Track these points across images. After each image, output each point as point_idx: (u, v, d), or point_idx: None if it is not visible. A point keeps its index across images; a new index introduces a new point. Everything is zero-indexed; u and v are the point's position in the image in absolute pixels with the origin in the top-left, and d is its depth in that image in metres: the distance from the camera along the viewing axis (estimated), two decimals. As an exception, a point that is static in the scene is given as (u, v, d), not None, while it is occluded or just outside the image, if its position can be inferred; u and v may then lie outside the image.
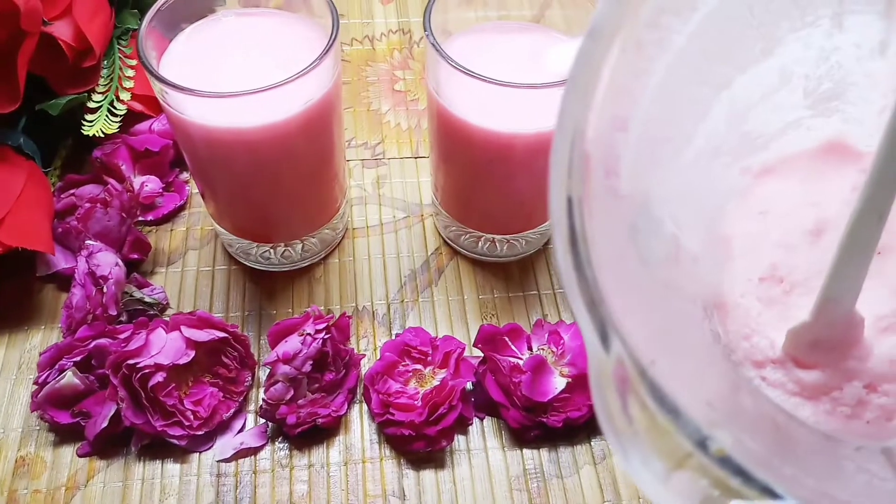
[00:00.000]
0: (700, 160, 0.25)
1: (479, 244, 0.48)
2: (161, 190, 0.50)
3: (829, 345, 0.23)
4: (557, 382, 0.40)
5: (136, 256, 0.47)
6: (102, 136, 0.47)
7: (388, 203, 0.52)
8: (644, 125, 0.22)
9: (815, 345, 0.23)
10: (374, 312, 0.46)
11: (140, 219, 0.49)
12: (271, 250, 0.47)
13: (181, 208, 0.51)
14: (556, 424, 0.40)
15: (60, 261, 0.47)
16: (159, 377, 0.39)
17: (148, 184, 0.50)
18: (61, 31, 0.47)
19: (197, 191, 0.50)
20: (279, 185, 0.43)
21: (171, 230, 0.50)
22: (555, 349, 0.41)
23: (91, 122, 0.47)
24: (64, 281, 0.47)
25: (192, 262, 0.49)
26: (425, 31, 0.38)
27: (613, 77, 0.20)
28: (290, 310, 0.47)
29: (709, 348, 0.24)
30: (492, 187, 0.44)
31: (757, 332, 0.24)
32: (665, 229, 0.24)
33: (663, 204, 0.24)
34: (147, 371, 0.39)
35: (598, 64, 0.19)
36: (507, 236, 0.47)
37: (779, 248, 0.26)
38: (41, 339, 0.45)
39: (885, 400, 0.22)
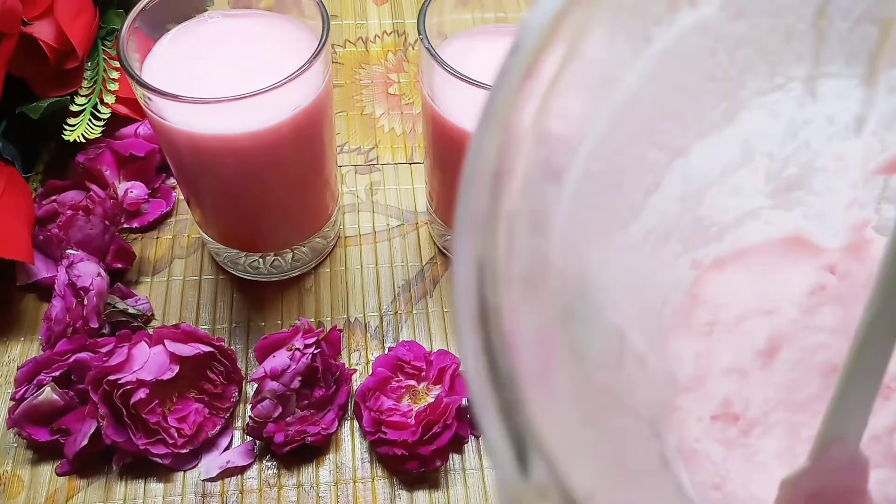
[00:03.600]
0: (647, 242, 0.21)
1: (475, 254, 0.46)
2: (146, 196, 0.49)
3: (833, 495, 0.18)
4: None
5: (119, 265, 0.45)
6: (84, 141, 0.46)
7: (381, 210, 0.50)
8: (581, 181, 0.18)
9: (815, 496, 0.19)
10: (366, 325, 0.45)
11: (125, 226, 0.48)
12: (260, 259, 0.45)
13: (167, 215, 0.49)
14: (554, 444, 0.38)
15: (41, 269, 0.45)
16: (142, 393, 0.38)
17: (133, 190, 0.48)
18: (42, 31, 0.45)
19: (183, 197, 0.49)
20: (268, 193, 0.41)
21: (157, 238, 0.48)
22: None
23: (73, 126, 0.46)
24: (45, 290, 0.45)
25: (178, 271, 0.47)
26: (420, 34, 0.37)
27: (545, 109, 0.15)
28: (279, 321, 0.45)
29: (658, 477, 0.20)
30: (488, 196, 0.42)
31: (728, 480, 0.20)
32: (607, 319, 0.19)
33: (604, 290, 0.19)
34: (129, 387, 0.38)
35: (525, 92, 0.15)
36: (504, 246, 0.46)
37: (729, 376, 0.22)
38: (20, 351, 0.43)
39: None
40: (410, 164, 0.53)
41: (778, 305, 0.21)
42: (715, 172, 0.22)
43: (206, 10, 0.41)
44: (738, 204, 0.22)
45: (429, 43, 0.37)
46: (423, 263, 0.48)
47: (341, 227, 0.49)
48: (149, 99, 0.35)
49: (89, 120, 0.46)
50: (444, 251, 0.48)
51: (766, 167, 0.22)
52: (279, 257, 0.45)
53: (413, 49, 0.60)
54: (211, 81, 0.37)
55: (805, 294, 0.22)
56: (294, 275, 0.47)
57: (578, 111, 0.17)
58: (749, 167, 0.22)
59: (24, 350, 0.43)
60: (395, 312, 0.46)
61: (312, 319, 0.45)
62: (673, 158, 0.21)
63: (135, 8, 0.37)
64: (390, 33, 0.61)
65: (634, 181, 0.20)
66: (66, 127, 0.46)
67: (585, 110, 0.17)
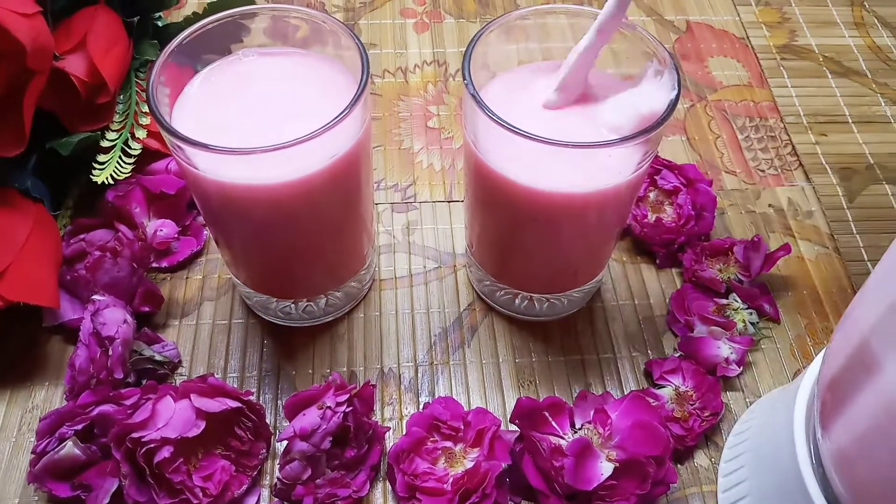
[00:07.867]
0: None
1: (517, 301, 0.44)
2: (176, 234, 0.47)
3: None
4: (603, 468, 0.36)
5: (147, 309, 0.44)
6: (113, 182, 0.44)
7: (418, 252, 0.48)
8: None
9: None
10: (400, 376, 0.43)
11: (153, 265, 0.46)
12: (292, 305, 0.43)
13: (197, 254, 0.48)
14: (600, 516, 0.36)
15: (68, 311, 0.43)
16: (166, 452, 0.36)
17: (162, 228, 0.46)
18: (74, 66, 0.44)
19: (213, 238, 0.47)
20: (301, 240, 0.39)
21: (187, 278, 0.47)
22: (601, 430, 0.37)
23: (102, 165, 0.44)
24: (71, 332, 0.43)
25: (207, 314, 0.45)
26: (464, 79, 0.35)
27: None
28: (310, 370, 0.43)
29: None
30: (532, 246, 0.40)
31: None
32: None
33: None
34: (153, 446, 0.36)
35: None
36: (548, 295, 0.43)
37: None
38: (44, 396, 0.42)
39: None
40: (449, 202, 0.51)
41: None
42: None
43: (241, 45, 0.39)
44: None
45: (474, 89, 0.34)
46: (461, 310, 0.46)
47: (376, 269, 0.47)
48: (178, 147, 0.34)
49: (119, 158, 0.45)
50: (483, 297, 0.46)
51: None
52: (312, 303, 0.43)
53: (454, 80, 0.58)
54: (244, 126, 0.35)
55: None
56: (327, 320, 0.45)
57: None
58: None
59: (48, 396, 0.42)
60: (431, 363, 0.43)
61: (344, 369, 0.43)
62: None
63: (166, 47, 0.36)
64: (430, 63, 0.59)
65: None
66: (95, 166, 0.44)
67: None
